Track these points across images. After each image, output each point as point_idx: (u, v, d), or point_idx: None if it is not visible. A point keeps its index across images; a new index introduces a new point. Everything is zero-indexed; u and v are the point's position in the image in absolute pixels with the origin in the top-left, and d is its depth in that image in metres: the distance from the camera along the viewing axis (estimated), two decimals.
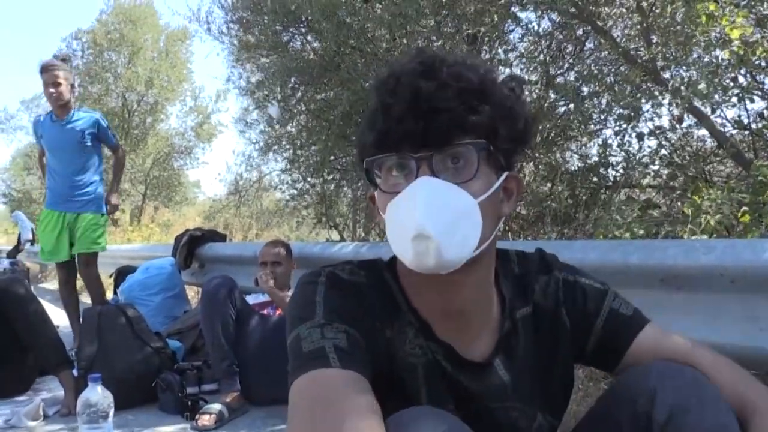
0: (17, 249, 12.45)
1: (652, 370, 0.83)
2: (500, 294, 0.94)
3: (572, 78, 4.45)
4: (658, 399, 0.78)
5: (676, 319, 1.71)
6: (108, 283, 8.37)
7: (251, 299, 3.10)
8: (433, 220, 0.77)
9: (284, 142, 6.36)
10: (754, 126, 3.65)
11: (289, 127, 6.17)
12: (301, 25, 5.50)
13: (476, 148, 0.81)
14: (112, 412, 1.81)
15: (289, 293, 3.03)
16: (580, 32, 4.39)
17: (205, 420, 2.48)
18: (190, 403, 2.64)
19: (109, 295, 5.31)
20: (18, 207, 20.09)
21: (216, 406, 2.54)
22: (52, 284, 11.27)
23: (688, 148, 3.89)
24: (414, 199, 0.79)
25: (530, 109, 1.00)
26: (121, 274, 4.90)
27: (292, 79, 5.50)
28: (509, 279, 0.96)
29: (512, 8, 4.12)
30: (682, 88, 3.19)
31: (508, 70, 4.97)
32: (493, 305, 0.93)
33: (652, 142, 3.96)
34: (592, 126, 4.23)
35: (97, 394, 1.77)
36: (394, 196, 0.82)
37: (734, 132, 3.77)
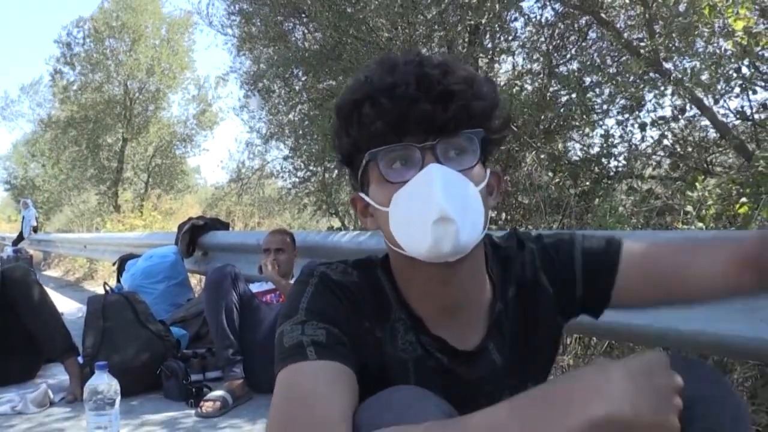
0: (21, 237, 12.52)
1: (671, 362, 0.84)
2: (491, 279, 0.96)
3: (574, 68, 4.45)
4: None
5: (676, 310, 1.73)
6: (110, 270, 8.43)
7: (255, 287, 3.12)
8: (452, 204, 0.78)
9: (286, 131, 6.38)
10: (756, 117, 3.66)
11: (291, 116, 6.19)
12: (302, 15, 5.51)
13: (478, 137, 0.83)
14: (118, 399, 1.83)
15: (293, 281, 3.05)
16: (582, 22, 4.38)
17: (209, 407, 2.50)
18: (194, 390, 2.67)
19: (113, 282, 5.35)
20: (20, 194, 20.16)
21: (220, 393, 2.56)
22: (55, 271, 11.34)
23: (690, 139, 3.90)
24: (431, 185, 0.78)
25: (508, 108, 1.01)
26: (124, 261, 4.92)
27: (293, 69, 5.51)
28: (497, 262, 0.97)
29: None
30: (685, 78, 3.19)
31: (510, 59, 4.98)
32: (485, 293, 0.95)
33: (654, 133, 3.98)
34: (594, 116, 4.24)
35: (104, 381, 1.79)
36: (400, 186, 0.82)
37: (737, 123, 3.77)
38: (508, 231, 1.03)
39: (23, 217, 12.99)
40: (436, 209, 0.78)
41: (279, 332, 0.84)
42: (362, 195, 0.89)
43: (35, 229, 12.82)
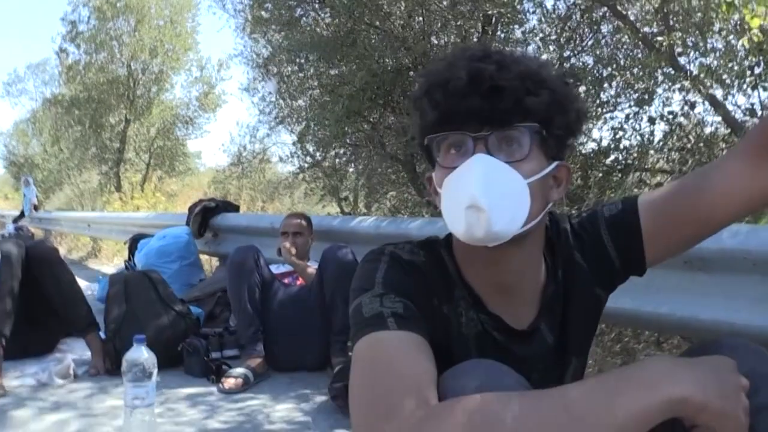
0: (22, 214, 12.52)
1: (723, 345, 0.88)
2: (546, 261, 1.01)
3: (587, 60, 4.49)
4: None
5: (698, 298, 1.80)
6: (115, 249, 8.47)
7: (273, 269, 3.17)
8: (485, 193, 0.83)
9: (295, 116, 6.41)
10: (766, 113, 3.72)
11: (300, 101, 6.22)
12: (315, 0, 5.51)
13: (530, 131, 0.87)
14: (155, 371, 1.89)
15: (309, 263, 3.11)
16: (597, 15, 4.41)
17: (232, 383, 2.57)
18: (214, 367, 2.73)
19: (119, 261, 5.40)
20: (19, 172, 20.11)
21: (242, 370, 2.63)
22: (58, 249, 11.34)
23: (701, 134, 3.96)
24: (470, 173, 0.84)
25: (583, 103, 1.03)
26: (136, 241, 4.97)
27: (305, 54, 5.52)
28: (548, 245, 1.02)
29: None
30: (702, 75, 3.24)
31: (520, 49, 5.01)
32: (540, 274, 1.00)
33: (665, 127, 4.04)
34: (604, 109, 4.29)
35: (143, 354, 1.85)
36: (451, 171, 0.87)
37: (746, 119, 3.83)
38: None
39: (24, 195, 12.99)
40: (468, 196, 0.84)
41: (356, 304, 0.89)
42: (433, 174, 0.95)
43: (36, 207, 12.83)
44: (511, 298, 0.98)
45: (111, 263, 8.03)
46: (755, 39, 3.22)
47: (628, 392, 0.70)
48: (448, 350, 0.93)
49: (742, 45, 3.37)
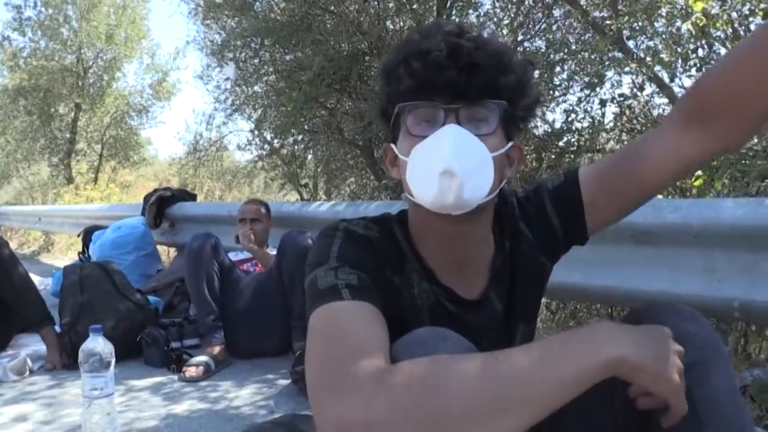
0: None
1: (658, 309, 0.94)
2: (494, 234, 1.05)
3: (540, 44, 4.58)
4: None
5: (643, 271, 1.88)
6: (69, 243, 8.26)
7: (231, 256, 3.16)
8: (459, 160, 0.86)
9: (251, 103, 6.34)
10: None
11: (256, 88, 6.15)
12: None
13: (499, 109, 0.92)
14: (113, 361, 1.87)
15: (268, 250, 3.10)
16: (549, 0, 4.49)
17: (193, 371, 2.56)
18: (174, 356, 2.71)
19: (73, 255, 5.27)
20: None
21: (203, 358, 2.62)
22: None
23: (649, 115, 4.08)
24: (444, 141, 0.87)
25: (539, 88, 1.08)
26: (89, 233, 4.86)
27: (259, 39, 5.46)
28: (496, 219, 1.06)
29: None
30: (647, 58, 3.34)
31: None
32: (489, 248, 1.04)
33: (615, 109, 4.15)
34: (556, 93, 4.38)
35: (99, 344, 1.82)
36: (420, 139, 0.90)
37: None
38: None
39: None
40: (442, 162, 0.86)
41: (311, 277, 0.91)
42: (392, 145, 0.98)
43: None
44: (463, 270, 1.02)
45: (65, 257, 7.84)
46: (698, 22, 3.34)
47: (570, 351, 0.74)
48: (401, 322, 0.95)
49: (687, 28, 3.49)
